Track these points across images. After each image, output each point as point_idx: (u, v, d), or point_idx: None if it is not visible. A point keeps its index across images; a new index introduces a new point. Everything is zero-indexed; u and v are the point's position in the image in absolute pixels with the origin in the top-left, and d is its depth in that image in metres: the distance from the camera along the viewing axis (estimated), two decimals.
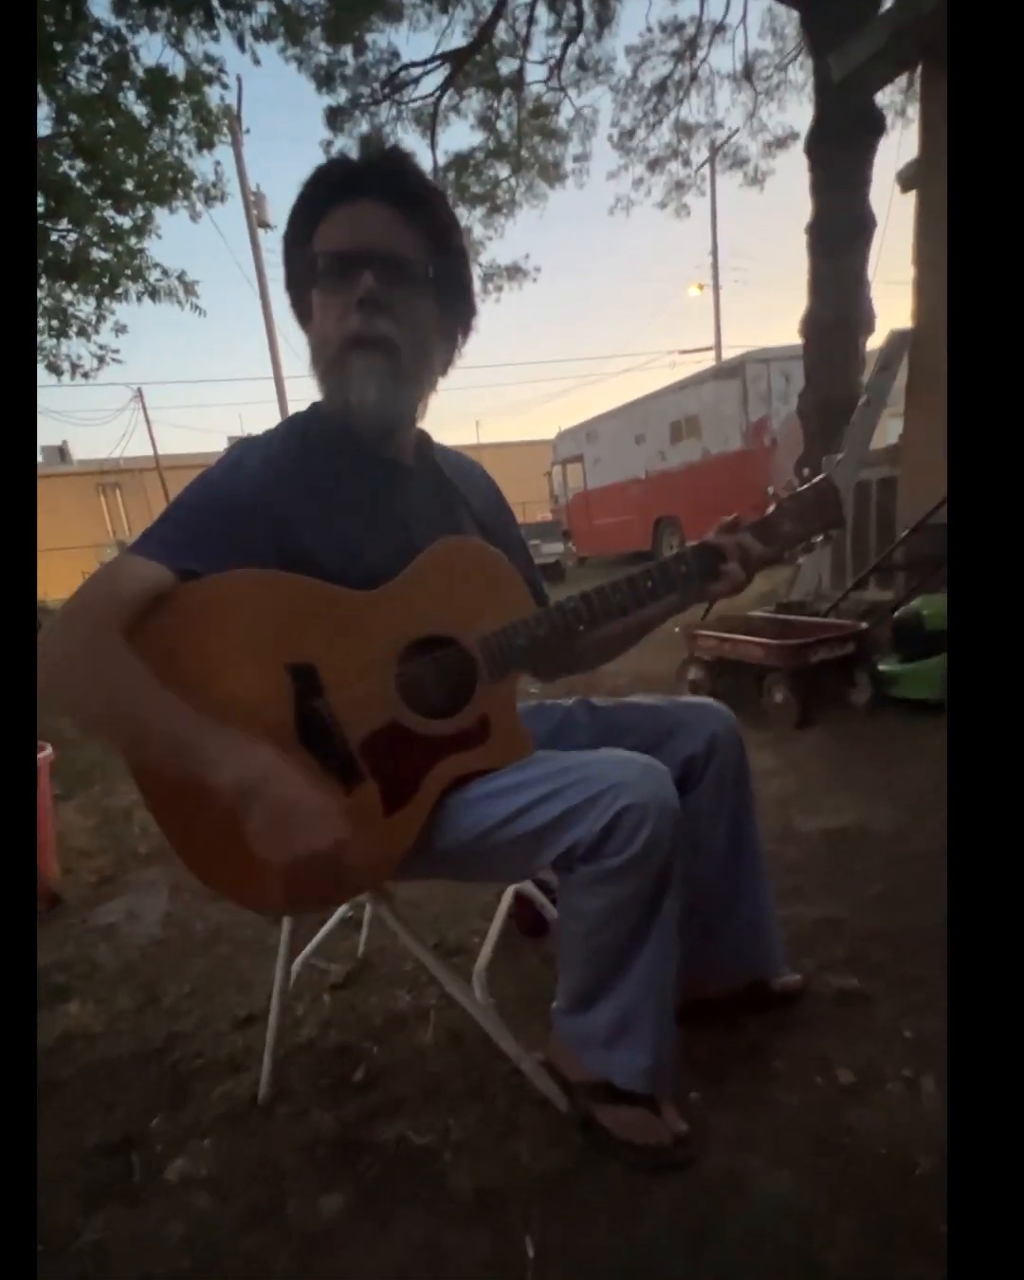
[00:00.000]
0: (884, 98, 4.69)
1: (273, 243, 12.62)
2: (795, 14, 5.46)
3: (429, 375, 0.98)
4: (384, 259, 0.88)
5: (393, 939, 1.36)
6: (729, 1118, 1.01)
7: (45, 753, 1.85)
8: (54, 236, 6.37)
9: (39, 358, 7.05)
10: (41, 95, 5.79)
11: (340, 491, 0.93)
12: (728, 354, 15.08)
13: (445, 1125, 1.05)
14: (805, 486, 1.03)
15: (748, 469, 7.99)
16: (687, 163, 8.64)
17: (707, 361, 18.25)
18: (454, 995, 1.04)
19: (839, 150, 4.77)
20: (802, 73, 7.44)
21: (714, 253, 18.41)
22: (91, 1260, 0.91)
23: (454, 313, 0.98)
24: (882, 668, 2.60)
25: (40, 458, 20.56)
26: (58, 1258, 0.91)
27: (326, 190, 0.90)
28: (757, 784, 1.12)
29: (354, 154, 0.93)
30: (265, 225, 12.24)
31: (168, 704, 0.80)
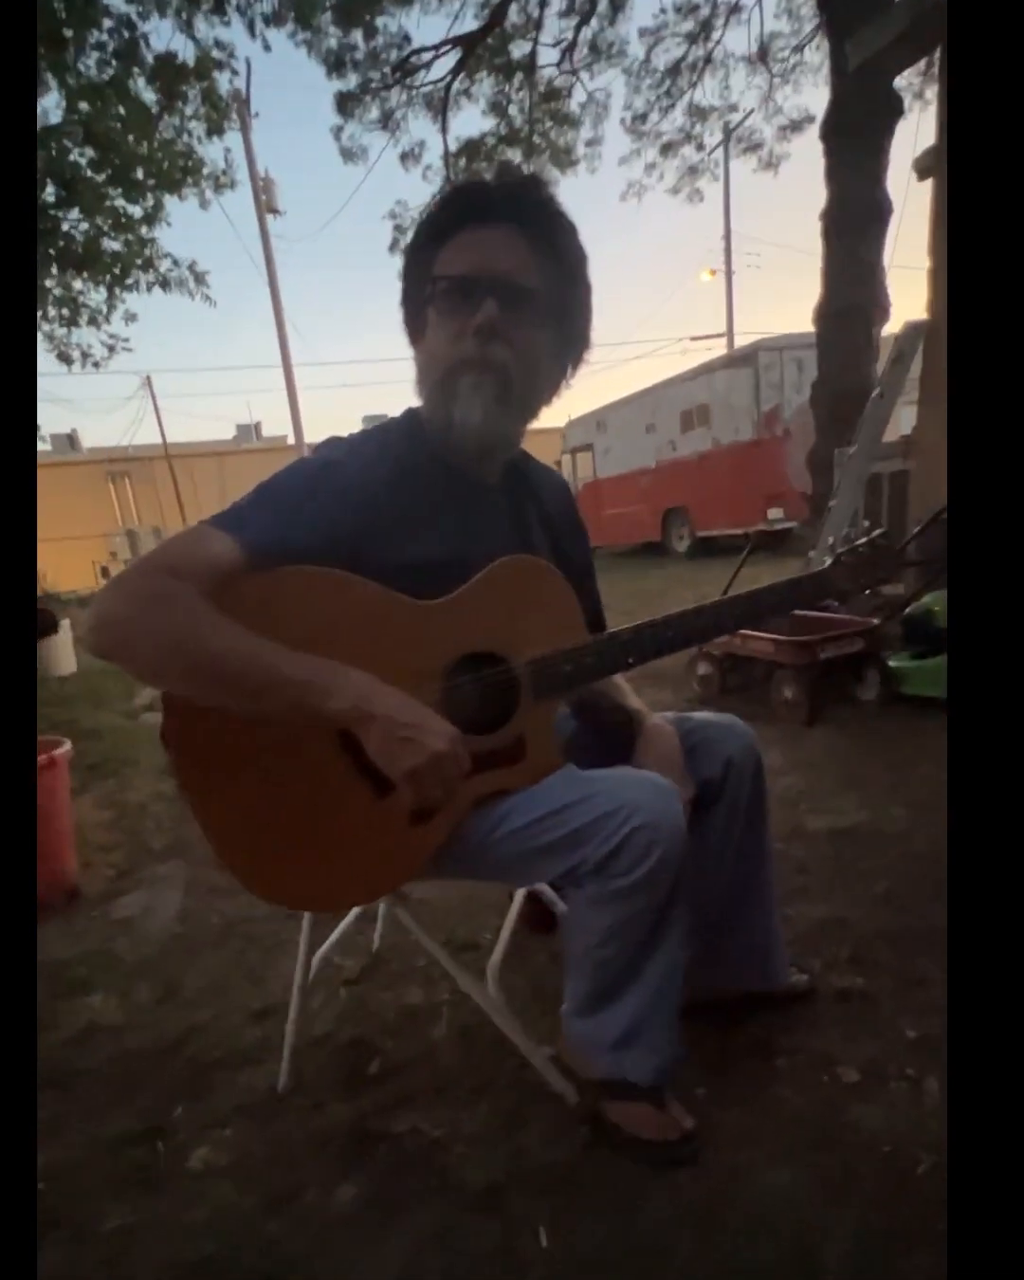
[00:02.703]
0: (902, 82, 4.60)
1: (281, 228, 12.52)
2: None
3: (536, 402, 0.98)
4: (508, 287, 0.88)
5: (406, 935, 1.39)
6: (734, 1114, 1.04)
7: (64, 748, 1.88)
8: (65, 226, 6.36)
9: (49, 347, 7.07)
10: (51, 83, 5.77)
11: (424, 507, 0.93)
12: (740, 341, 14.91)
13: (456, 1118, 1.08)
14: (863, 542, 1.05)
15: (760, 459, 7.93)
16: (700, 147, 8.50)
17: (718, 348, 18.12)
18: (468, 991, 1.07)
19: (855, 136, 4.69)
20: (818, 55, 7.30)
21: (727, 238, 18.16)
22: (117, 1245, 0.94)
23: (570, 345, 0.98)
24: (892, 664, 2.60)
25: (49, 446, 20.57)
26: (84, 1243, 0.95)
27: (458, 211, 0.91)
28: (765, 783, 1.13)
29: (487, 177, 0.93)
30: (274, 211, 12.17)
31: (263, 644, 0.79)
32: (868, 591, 1.10)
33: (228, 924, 1.68)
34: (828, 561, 1.09)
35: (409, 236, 0.95)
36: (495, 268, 0.88)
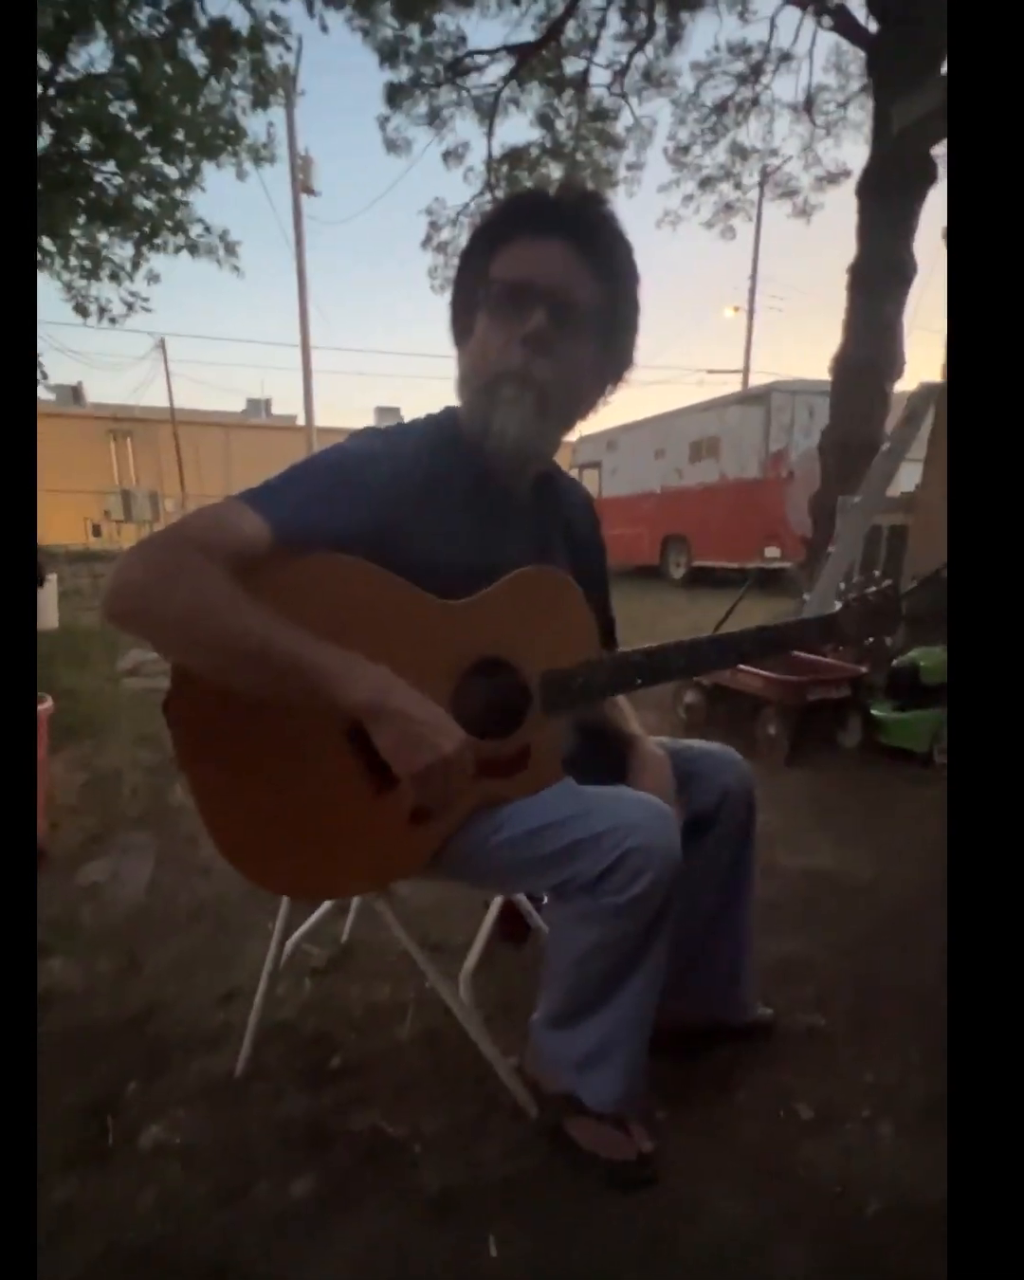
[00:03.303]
0: (939, 150, 4.69)
1: (315, 209, 12.48)
2: (862, 54, 5.48)
3: (573, 417, 0.99)
4: (559, 300, 0.88)
5: (376, 929, 1.38)
6: (691, 1142, 1.04)
7: (44, 704, 1.84)
8: (98, 178, 6.29)
9: (67, 297, 6.97)
10: (100, 32, 5.72)
11: (453, 510, 0.94)
12: (755, 379, 15.21)
13: (416, 1120, 1.07)
14: (873, 591, 1.08)
15: (762, 497, 8.05)
16: (738, 185, 8.61)
17: (733, 384, 18.36)
18: (441, 994, 1.07)
19: (889, 196, 4.80)
20: (861, 113, 7.46)
21: (753, 278, 18.52)
22: (61, 1220, 0.92)
23: (614, 362, 0.99)
24: (874, 713, 2.65)
25: (52, 396, 20.19)
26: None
27: (517, 219, 0.91)
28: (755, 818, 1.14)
29: (550, 190, 0.93)
30: (310, 191, 12.15)
31: (286, 626, 0.78)
32: (869, 640, 1.12)
33: (199, 904, 1.65)
34: (837, 606, 1.11)
35: (469, 235, 0.95)
36: (549, 279, 0.89)
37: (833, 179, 8.30)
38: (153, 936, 1.53)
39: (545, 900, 1.28)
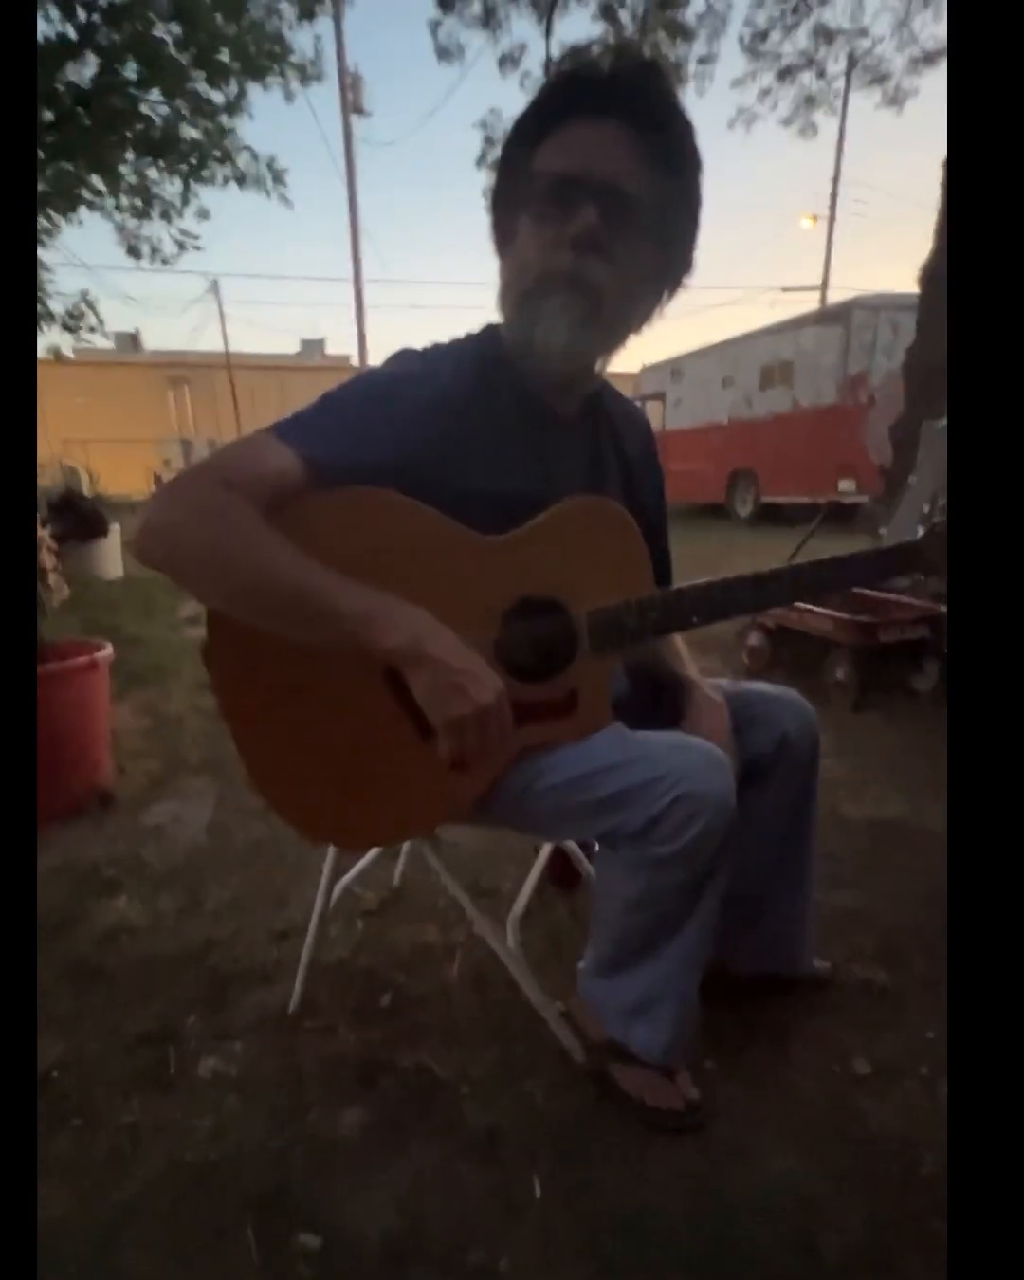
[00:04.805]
0: None
1: (364, 130, 12.04)
2: None
3: (627, 328, 0.90)
4: (613, 193, 0.79)
5: (427, 873, 1.39)
6: (742, 1092, 1.03)
7: (105, 651, 1.89)
8: (143, 108, 6.14)
9: (120, 238, 6.93)
10: None
11: (496, 435, 0.87)
12: (834, 296, 14.12)
13: (464, 1060, 1.09)
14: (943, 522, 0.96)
15: (839, 425, 7.52)
16: (821, 74, 7.78)
17: (810, 302, 17.20)
18: (486, 937, 1.07)
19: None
20: None
21: (836, 180, 16.96)
22: (127, 1139, 0.97)
23: (673, 265, 0.88)
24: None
25: (112, 344, 20.49)
26: (97, 1131, 0.98)
27: (564, 100, 0.80)
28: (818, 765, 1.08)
29: (602, 62, 0.80)
30: (360, 111, 11.64)
31: (319, 568, 0.75)
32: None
33: (256, 843, 1.71)
34: (920, 532, 1.00)
35: (511, 123, 0.84)
36: (601, 170, 0.78)
37: (929, 59, 7.41)
38: (212, 875, 1.59)
39: (597, 846, 1.27)
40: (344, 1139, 0.97)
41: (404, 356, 0.89)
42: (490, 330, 0.92)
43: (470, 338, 0.93)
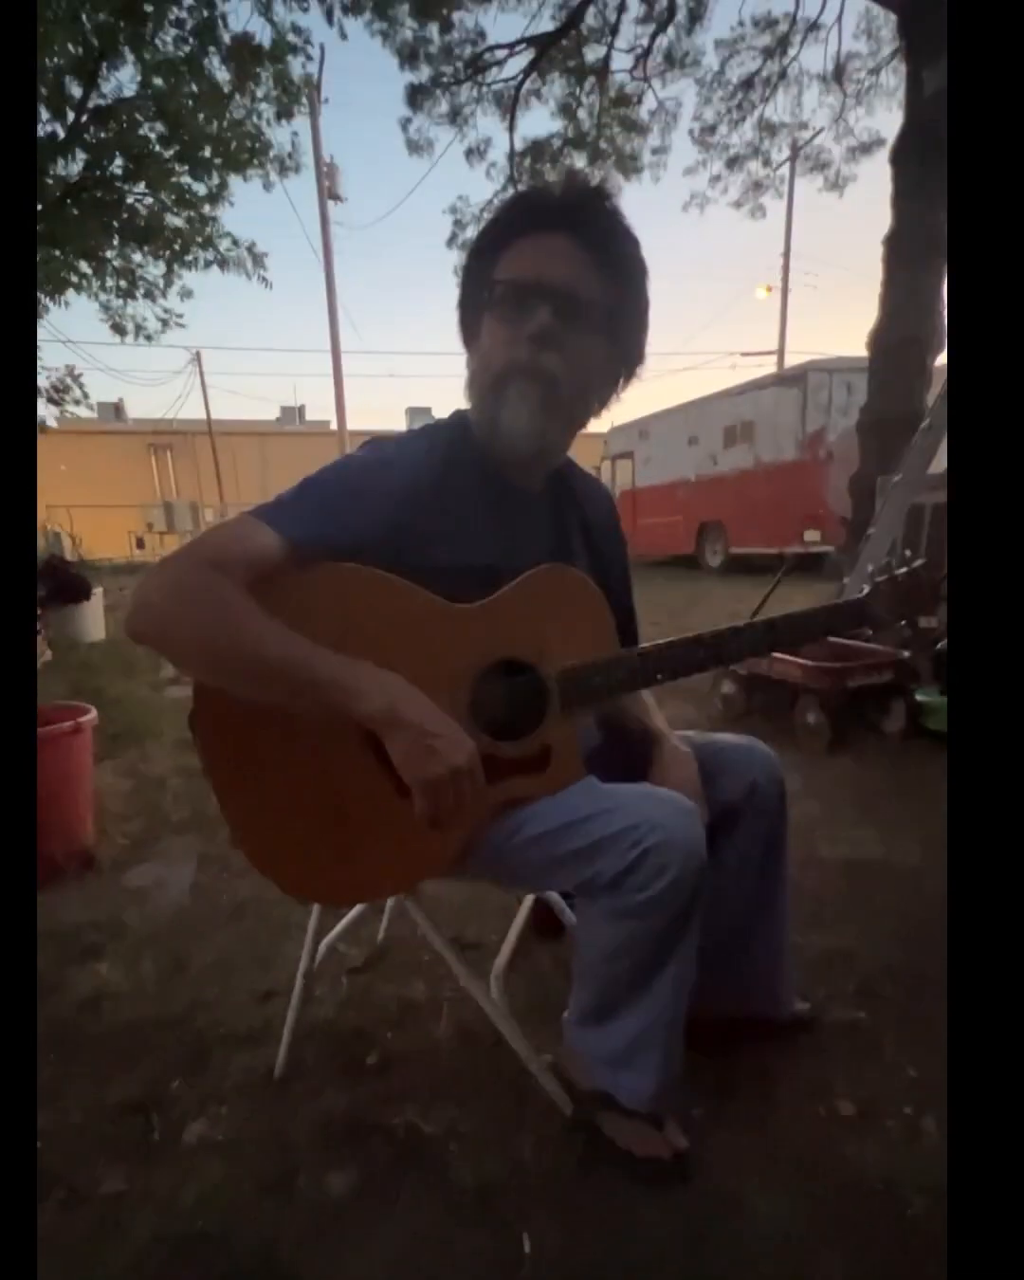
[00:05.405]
0: None
1: (340, 214, 12.64)
2: (893, 17, 5.29)
3: (584, 413, 0.99)
4: (564, 297, 0.88)
5: (412, 928, 1.40)
6: (730, 1138, 1.03)
7: (89, 715, 1.91)
8: (129, 199, 6.45)
9: (104, 317, 7.18)
10: (128, 57, 5.85)
11: (466, 512, 0.94)
12: (791, 360, 14.81)
13: (453, 1117, 1.08)
14: (902, 571, 1.05)
15: (800, 480, 7.88)
16: (767, 162, 8.39)
17: (768, 366, 18.01)
18: (471, 992, 1.07)
19: (925, 163, 4.63)
20: (894, 78, 7.20)
21: (786, 255, 18.04)
22: (109, 1211, 0.95)
23: (623, 358, 0.98)
24: (919, 698, 2.57)
25: (95, 414, 20.83)
26: (81, 1204, 0.96)
27: (520, 217, 0.91)
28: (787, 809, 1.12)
29: (554, 188, 0.92)
30: (336, 197, 12.27)
31: (300, 641, 0.81)
32: (903, 623, 1.09)
33: (239, 903, 1.70)
34: (865, 589, 1.08)
35: (472, 239, 0.95)
36: (552, 276, 0.88)
37: (865, 149, 8.05)
38: (195, 937, 1.57)
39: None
40: (333, 1202, 0.96)
41: (377, 444, 0.97)
42: (459, 416, 1.01)
43: (440, 423, 1.01)
